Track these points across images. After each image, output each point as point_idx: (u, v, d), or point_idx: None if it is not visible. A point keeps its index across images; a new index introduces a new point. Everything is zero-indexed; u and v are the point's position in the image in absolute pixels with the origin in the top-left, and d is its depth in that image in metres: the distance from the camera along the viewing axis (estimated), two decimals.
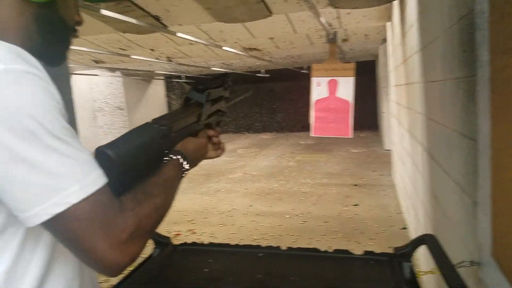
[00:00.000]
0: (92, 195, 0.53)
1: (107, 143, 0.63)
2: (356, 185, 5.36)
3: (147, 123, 0.72)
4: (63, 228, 0.52)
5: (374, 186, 5.23)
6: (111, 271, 0.55)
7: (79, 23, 0.71)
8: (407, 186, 3.28)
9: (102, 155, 0.61)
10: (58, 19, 0.67)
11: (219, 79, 0.89)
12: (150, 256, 1.20)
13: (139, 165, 0.67)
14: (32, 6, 0.62)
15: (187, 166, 0.76)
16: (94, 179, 0.54)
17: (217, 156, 0.92)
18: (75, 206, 0.51)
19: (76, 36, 0.72)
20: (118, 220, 0.54)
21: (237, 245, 1.28)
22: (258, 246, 1.27)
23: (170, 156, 0.74)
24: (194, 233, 3.80)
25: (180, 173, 0.74)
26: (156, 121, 0.73)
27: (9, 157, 0.49)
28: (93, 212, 0.52)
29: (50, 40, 0.65)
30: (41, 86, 0.52)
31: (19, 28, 0.62)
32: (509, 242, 0.72)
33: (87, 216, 0.52)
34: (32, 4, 0.62)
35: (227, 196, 5.12)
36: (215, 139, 0.90)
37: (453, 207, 1.34)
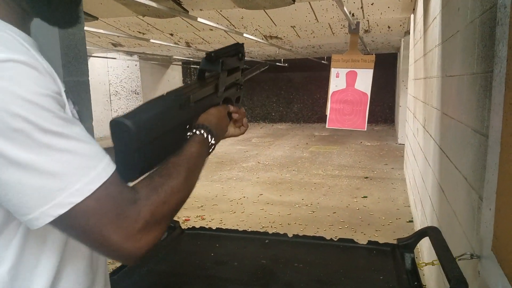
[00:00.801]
0: (98, 190, 0.49)
1: (123, 114, 0.58)
2: (367, 177, 5.35)
3: (162, 95, 0.67)
4: (70, 227, 0.49)
5: (384, 179, 5.21)
6: (129, 261, 0.53)
7: None
8: (417, 180, 3.26)
9: (118, 126, 0.56)
10: None
11: (232, 48, 0.82)
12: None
13: (159, 138, 0.62)
14: None
15: (213, 141, 0.70)
16: (99, 172, 0.49)
17: (241, 133, 0.86)
18: (79, 205, 0.48)
19: None
20: (130, 211, 0.51)
21: (244, 231, 1.31)
22: (265, 233, 1.29)
23: (193, 131, 0.68)
24: (203, 219, 3.86)
25: (206, 149, 0.68)
26: (171, 92, 0.69)
27: (1, 162, 0.45)
28: (100, 207, 0.49)
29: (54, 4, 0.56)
30: (28, 75, 0.46)
31: None
32: (510, 236, 0.73)
33: (95, 212, 0.49)
34: None
35: (239, 184, 5.17)
36: (235, 115, 0.84)
37: (460, 201, 1.34)
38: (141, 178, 0.57)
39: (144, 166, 0.60)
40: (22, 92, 0.45)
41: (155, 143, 0.61)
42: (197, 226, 1.38)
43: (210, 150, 0.70)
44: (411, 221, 3.56)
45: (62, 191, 0.47)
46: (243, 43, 0.86)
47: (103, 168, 0.50)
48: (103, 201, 0.49)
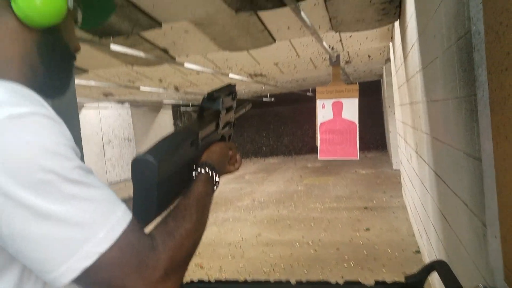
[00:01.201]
0: (120, 237, 0.48)
1: (143, 152, 0.60)
2: (366, 208, 5.27)
3: (174, 132, 0.69)
4: (95, 280, 0.48)
5: (384, 209, 5.14)
6: None
7: (78, 50, 0.66)
8: (417, 208, 3.21)
9: (141, 163, 0.58)
10: (62, 45, 0.61)
11: (227, 88, 0.86)
12: None
13: (173, 174, 0.64)
14: (33, 34, 0.57)
15: (217, 178, 0.71)
16: (119, 218, 0.49)
17: (236, 170, 0.87)
18: (104, 254, 0.47)
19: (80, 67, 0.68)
20: (150, 259, 0.50)
21: (245, 282, 1.24)
22: (267, 282, 1.22)
23: (198, 170, 0.69)
24: (202, 267, 3.73)
25: (211, 187, 0.69)
26: (182, 129, 0.71)
27: (28, 216, 0.44)
28: (123, 256, 0.48)
29: (54, 69, 0.60)
30: (50, 127, 0.48)
31: (20, 60, 0.57)
32: None
33: (118, 262, 0.48)
34: (33, 31, 0.57)
35: (235, 225, 5.05)
36: (230, 152, 0.85)
37: (464, 229, 1.30)
38: (155, 223, 0.57)
39: (162, 203, 0.61)
40: (45, 144, 0.46)
41: (170, 180, 0.63)
42: (196, 277, 1.31)
43: (215, 188, 0.71)
44: (418, 252, 3.44)
45: (87, 241, 0.47)
46: (235, 84, 0.90)
47: (122, 214, 0.50)
48: (125, 250, 0.49)
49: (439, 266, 0.90)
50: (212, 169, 0.70)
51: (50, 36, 0.59)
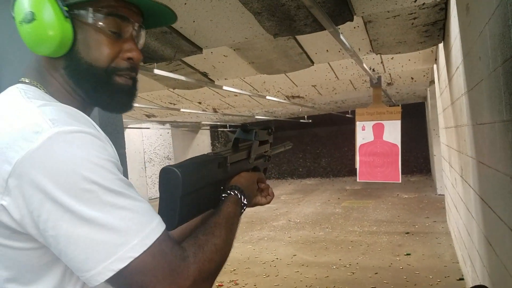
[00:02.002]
0: (153, 245, 0.52)
1: (172, 164, 0.66)
2: (408, 233, 5.05)
3: (204, 154, 0.76)
4: (127, 283, 0.52)
5: (427, 234, 4.90)
6: None
7: (131, 59, 0.66)
8: (462, 234, 3.04)
9: (169, 173, 0.64)
10: (84, 65, 0.63)
11: (264, 124, 0.95)
12: None
13: (198, 190, 0.69)
14: (60, 62, 0.62)
15: (245, 201, 0.76)
16: (153, 228, 0.54)
17: (267, 203, 0.90)
18: (137, 259, 0.51)
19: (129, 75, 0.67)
20: (180, 268, 0.54)
21: None
22: None
23: (228, 191, 0.74)
24: (237, 284, 3.72)
25: (239, 209, 0.73)
26: (212, 153, 0.77)
27: (72, 220, 0.50)
28: (155, 263, 0.52)
29: (89, 87, 0.64)
30: (94, 144, 0.53)
31: (62, 86, 0.64)
32: None
33: (150, 268, 0.52)
34: (59, 59, 0.62)
35: (270, 244, 5.02)
36: (262, 185, 0.89)
37: (510, 256, 1.22)
38: (187, 238, 0.60)
39: (184, 215, 0.66)
40: (90, 157, 0.52)
41: (194, 195, 0.69)
42: None
43: (242, 210, 0.75)
44: (462, 279, 3.26)
45: (123, 246, 0.51)
46: (273, 121, 0.95)
47: (156, 225, 0.54)
48: (157, 257, 0.52)
49: None
50: (240, 192, 0.75)
51: (71, 59, 0.62)
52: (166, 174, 0.64)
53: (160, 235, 0.54)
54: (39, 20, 0.59)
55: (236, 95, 5.56)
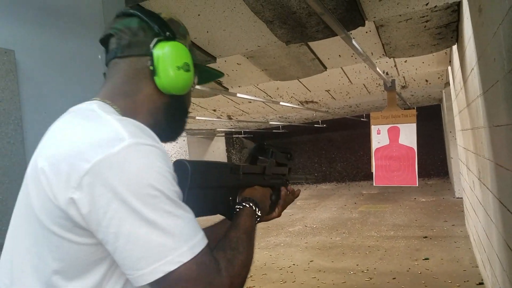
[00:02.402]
0: (198, 255, 0.58)
1: (185, 159, 0.73)
2: (426, 237, 4.96)
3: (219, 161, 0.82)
4: (169, 285, 0.56)
5: (445, 238, 4.80)
6: None
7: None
8: (481, 237, 2.98)
9: (180, 165, 0.70)
10: (183, 109, 0.80)
11: (283, 148, 0.98)
12: None
13: (207, 189, 0.74)
14: (165, 97, 0.75)
15: (259, 213, 0.80)
16: (199, 240, 0.59)
17: (277, 216, 0.96)
18: (185, 265, 0.56)
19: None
20: (216, 281, 0.58)
21: None
22: None
23: (243, 204, 0.79)
24: None
25: (255, 221, 0.78)
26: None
27: (136, 219, 0.56)
28: (198, 272, 0.57)
29: (173, 125, 0.78)
30: (160, 157, 0.60)
31: (148, 112, 0.74)
32: None
33: (193, 276, 0.56)
34: (164, 96, 0.75)
35: (287, 250, 5.01)
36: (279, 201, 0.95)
37: None
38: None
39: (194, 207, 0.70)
40: (157, 168, 0.59)
41: (203, 192, 0.73)
42: None
43: (256, 222, 0.80)
44: (481, 283, 3.19)
45: (174, 250, 0.56)
46: (291, 149, 1.03)
47: (202, 237, 0.60)
48: (200, 267, 0.57)
49: None
50: (255, 204, 0.80)
51: (176, 100, 0.77)
52: (177, 167, 0.69)
53: (204, 247, 0.59)
54: (191, 72, 0.76)
55: (250, 102, 5.60)
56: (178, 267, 0.56)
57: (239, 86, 4.16)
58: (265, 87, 4.71)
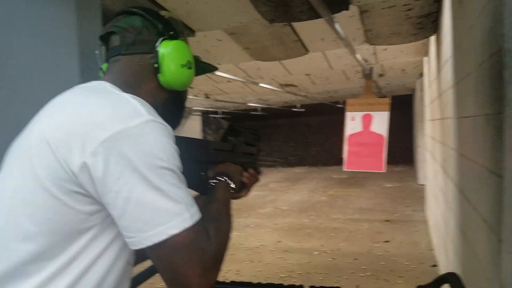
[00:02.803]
0: (196, 223, 0.63)
1: None
2: (388, 220, 5.19)
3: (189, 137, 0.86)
4: (169, 252, 0.61)
5: (406, 222, 5.05)
6: None
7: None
8: (439, 223, 3.15)
9: None
10: (182, 103, 0.85)
11: (251, 129, 1.02)
12: None
13: (183, 164, 0.77)
14: (165, 92, 0.79)
15: (233, 186, 0.87)
16: (196, 210, 0.65)
17: (245, 196, 1.00)
18: (186, 230, 0.61)
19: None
20: (208, 247, 0.63)
21: (258, 284, 1.29)
22: (280, 285, 1.27)
23: (218, 178, 0.84)
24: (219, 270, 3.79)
25: (229, 193, 0.84)
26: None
27: (146, 186, 0.60)
28: (194, 238, 0.62)
29: (171, 118, 0.78)
30: (169, 135, 0.67)
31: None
32: None
33: (190, 242, 0.61)
34: (166, 90, 0.79)
35: (256, 231, 5.09)
36: (245, 179, 0.98)
37: (481, 245, 1.29)
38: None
39: None
40: (166, 144, 0.65)
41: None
42: None
43: (233, 194, 0.87)
44: (435, 266, 3.39)
45: (178, 216, 0.61)
46: (260, 132, 1.06)
47: (197, 208, 0.66)
48: (195, 234, 0.62)
49: (451, 278, 0.91)
50: (228, 177, 0.85)
51: (176, 95, 0.82)
52: None
53: (199, 218, 0.64)
54: (193, 69, 0.81)
55: (229, 81, 5.52)
56: (180, 232, 0.61)
57: (219, 64, 4.08)
58: (245, 67, 4.65)
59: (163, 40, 0.77)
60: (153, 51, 0.76)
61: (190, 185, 0.81)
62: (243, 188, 0.98)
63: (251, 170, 0.99)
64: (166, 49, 0.76)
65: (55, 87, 1.19)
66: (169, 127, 0.68)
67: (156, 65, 0.76)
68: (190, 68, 0.79)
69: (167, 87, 0.78)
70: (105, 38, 0.79)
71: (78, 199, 0.63)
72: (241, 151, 0.97)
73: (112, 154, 0.60)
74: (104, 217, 0.65)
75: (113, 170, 0.60)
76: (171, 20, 0.81)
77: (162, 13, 0.81)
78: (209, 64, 0.94)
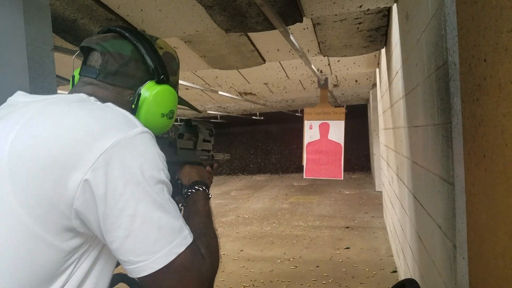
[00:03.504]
0: (193, 241, 0.59)
1: None
2: (348, 227, 5.31)
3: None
4: (170, 275, 0.55)
5: (365, 229, 5.19)
6: None
7: None
8: (397, 229, 3.26)
9: None
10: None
11: (206, 125, 0.97)
12: None
13: None
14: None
15: (210, 195, 0.82)
16: (189, 229, 0.61)
17: None
18: (188, 247, 0.57)
19: None
20: (203, 268, 0.59)
21: None
22: None
23: (196, 187, 0.78)
24: None
25: (209, 205, 0.79)
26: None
27: (150, 202, 0.55)
28: (191, 259, 0.57)
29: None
30: (157, 145, 0.62)
31: None
32: (485, 286, 0.73)
33: (188, 263, 0.57)
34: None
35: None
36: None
37: (437, 250, 1.34)
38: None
39: None
40: (158, 153, 0.60)
41: None
42: None
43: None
44: (395, 271, 3.50)
45: (180, 233, 0.57)
46: (212, 125, 1.02)
47: (189, 229, 0.62)
48: (192, 253, 0.58)
49: (409, 284, 0.93)
50: (206, 187, 0.80)
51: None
52: None
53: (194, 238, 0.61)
54: (174, 118, 0.75)
55: (187, 89, 5.44)
56: (184, 250, 0.56)
57: None
58: (203, 75, 4.61)
59: (148, 82, 0.69)
60: (134, 89, 0.68)
61: None
62: None
63: (208, 168, 0.95)
64: (149, 93, 0.68)
65: (3, 92, 1.09)
66: (152, 134, 0.63)
67: (133, 106, 0.68)
68: (171, 118, 0.73)
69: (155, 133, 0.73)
70: (85, 49, 0.70)
71: (63, 234, 0.55)
72: (201, 148, 0.93)
73: (114, 166, 0.54)
74: (82, 253, 0.58)
75: (116, 183, 0.54)
76: (164, 56, 0.73)
77: (159, 44, 0.73)
78: (195, 108, 0.89)
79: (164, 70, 0.70)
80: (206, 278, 0.58)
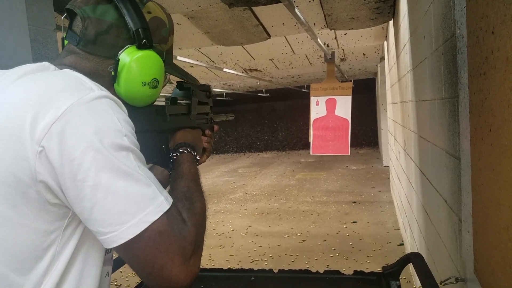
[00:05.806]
0: (171, 207, 0.55)
1: None
2: (355, 202, 5.36)
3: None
4: (146, 243, 0.52)
5: (372, 203, 5.23)
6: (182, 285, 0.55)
7: None
8: (403, 203, 3.29)
9: None
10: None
11: (201, 86, 0.91)
12: (142, 283, 1.20)
13: (139, 134, 0.68)
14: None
15: (198, 157, 0.76)
16: (167, 192, 0.57)
17: (203, 161, 0.90)
18: (164, 215, 0.53)
19: None
20: (185, 232, 0.55)
21: (229, 270, 1.29)
22: (251, 270, 1.27)
23: (180, 150, 0.73)
24: None
25: (196, 167, 0.74)
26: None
27: (112, 170, 0.51)
28: (170, 224, 0.54)
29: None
30: (122, 110, 0.58)
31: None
32: (489, 259, 0.74)
33: (165, 229, 0.53)
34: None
35: (227, 217, 5.10)
36: (205, 144, 0.90)
37: (443, 224, 1.35)
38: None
39: None
40: (121, 119, 0.55)
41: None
42: None
43: (197, 164, 0.77)
44: (402, 244, 3.55)
45: (152, 200, 0.53)
46: (209, 85, 0.95)
47: (167, 193, 0.58)
48: (170, 219, 0.54)
49: (414, 258, 0.95)
50: (192, 149, 0.75)
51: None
52: None
53: (173, 201, 0.57)
54: (159, 88, 0.69)
55: (192, 66, 5.39)
56: (158, 218, 0.53)
57: (180, 49, 3.97)
58: (208, 52, 4.55)
59: (128, 47, 0.64)
60: (115, 58, 0.64)
61: (150, 160, 0.74)
62: (203, 153, 0.88)
63: (208, 132, 0.91)
64: (128, 59, 0.64)
65: None
66: (121, 102, 0.59)
67: (113, 73, 0.64)
68: (154, 87, 0.67)
69: (136, 105, 0.68)
70: (70, 12, 0.66)
71: (36, 211, 0.52)
72: (196, 112, 0.88)
73: (68, 134, 0.51)
74: (63, 230, 0.55)
75: (73, 153, 0.50)
76: (154, 22, 0.67)
77: (149, 7, 0.68)
78: (189, 75, 0.82)
79: (147, 34, 0.65)
80: (189, 241, 0.55)
